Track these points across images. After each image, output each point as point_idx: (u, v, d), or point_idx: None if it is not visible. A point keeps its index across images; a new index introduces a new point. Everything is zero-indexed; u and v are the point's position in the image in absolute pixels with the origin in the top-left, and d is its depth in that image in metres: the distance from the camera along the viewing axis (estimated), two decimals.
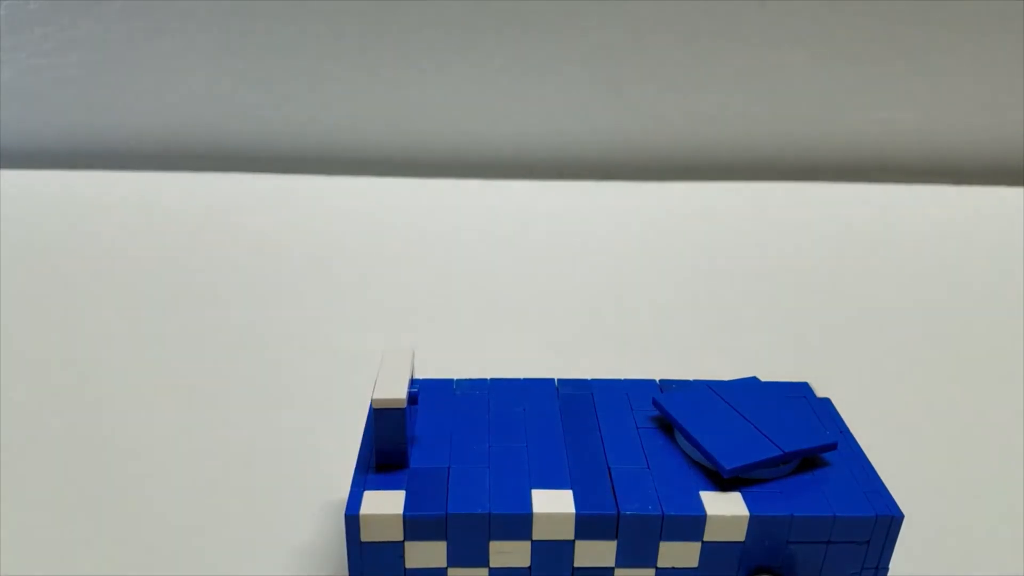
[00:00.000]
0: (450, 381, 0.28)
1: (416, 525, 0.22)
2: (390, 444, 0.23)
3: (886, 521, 0.23)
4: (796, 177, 0.60)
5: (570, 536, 0.22)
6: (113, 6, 0.55)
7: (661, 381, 0.29)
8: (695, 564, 0.23)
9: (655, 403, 0.26)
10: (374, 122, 0.60)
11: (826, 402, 0.28)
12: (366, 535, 0.22)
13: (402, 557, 0.22)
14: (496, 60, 0.58)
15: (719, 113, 0.59)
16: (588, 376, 0.29)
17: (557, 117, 0.60)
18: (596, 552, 0.23)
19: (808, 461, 0.24)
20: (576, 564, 0.23)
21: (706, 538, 0.23)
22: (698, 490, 0.23)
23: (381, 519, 0.22)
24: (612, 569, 0.23)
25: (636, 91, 0.59)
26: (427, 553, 0.22)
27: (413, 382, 0.24)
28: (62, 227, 0.53)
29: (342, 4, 0.55)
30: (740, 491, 0.23)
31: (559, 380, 0.29)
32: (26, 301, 0.45)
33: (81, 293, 0.46)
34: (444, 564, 0.23)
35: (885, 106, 0.59)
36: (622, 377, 0.29)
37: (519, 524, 0.22)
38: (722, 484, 0.23)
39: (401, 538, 0.22)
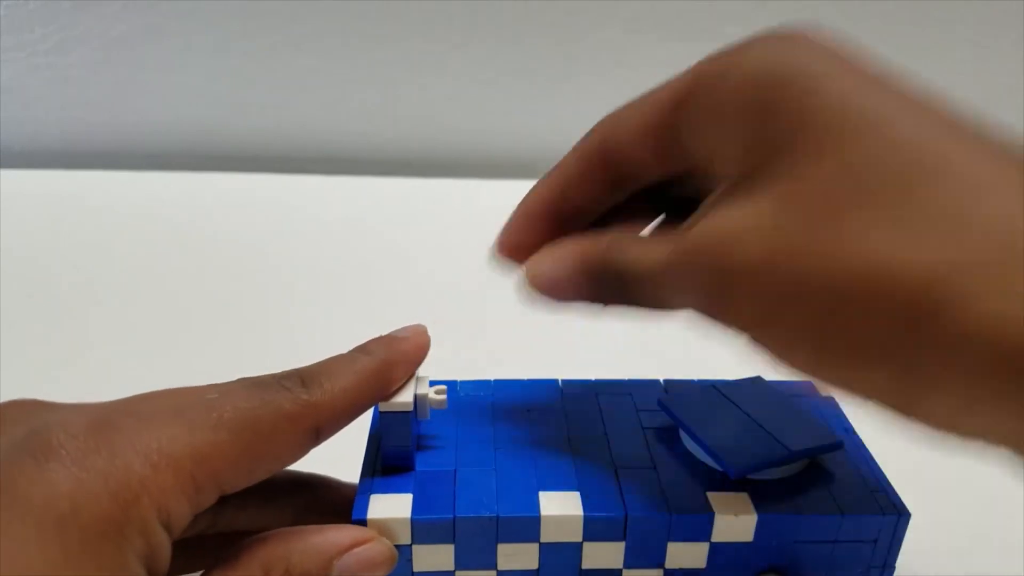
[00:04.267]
0: (453, 382, 0.28)
1: (424, 528, 0.22)
2: (396, 447, 0.23)
3: (893, 520, 0.23)
4: None
5: (578, 538, 0.22)
6: (113, 6, 0.55)
7: (665, 381, 0.28)
8: (703, 565, 0.23)
9: (660, 404, 0.26)
10: (373, 122, 0.60)
11: (831, 401, 0.28)
12: None
13: (410, 560, 0.22)
14: (496, 60, 0.58)
15: None
16: (592, 376, 0.29)
17: (557, 117, 0.60)
18: (604, 554, 0.23)
19: (814, 460, 0.24)
20: (584, 566, 0.23)
21: (714, 539, 0.23)
22: (705, 491, 0.23)
23: (388, 523, 0.22)
24: (620, 570, 0.23)
25: (636, 91, 0.59)
26: (435, 556, 0.22)
27: None
28: (62, 227, 0.53)
29: (342, 4, 0.55)
30: (747, 491, 0.23)
31: (563, 380, 0.28)
32: (25, 301, 0.45)
33: (81, 293, 0.46)
34: (452, 567, 0.23)
35: None
36: (626, 377, 0.29)
37: (527, 527, 0.22)
38: (729, 485, 0.23)
39: (409, 541, 0.22)
